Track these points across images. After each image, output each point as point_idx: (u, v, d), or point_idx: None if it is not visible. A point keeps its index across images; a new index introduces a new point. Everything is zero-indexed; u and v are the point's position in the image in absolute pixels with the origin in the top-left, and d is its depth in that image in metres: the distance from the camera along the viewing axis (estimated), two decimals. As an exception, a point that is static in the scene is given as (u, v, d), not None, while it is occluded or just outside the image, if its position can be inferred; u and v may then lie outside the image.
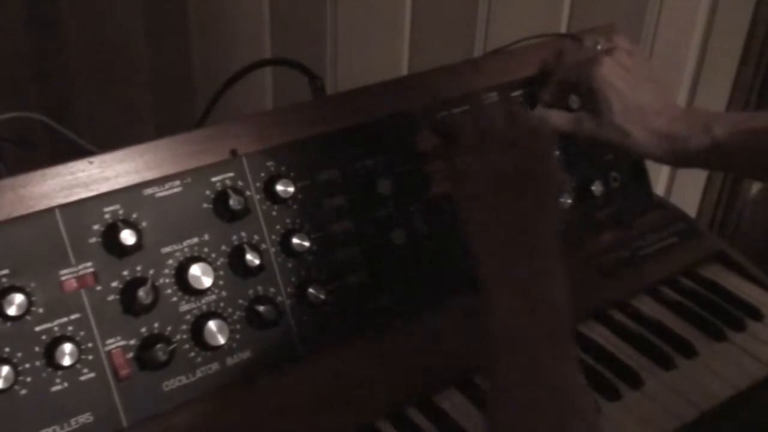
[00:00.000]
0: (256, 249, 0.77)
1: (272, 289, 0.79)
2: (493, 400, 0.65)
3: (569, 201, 0.97)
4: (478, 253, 0.73)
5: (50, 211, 0.70)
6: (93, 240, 0.71)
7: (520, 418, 0.63)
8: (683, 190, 1.50)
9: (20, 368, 0.68)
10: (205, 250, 0.76)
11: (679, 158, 0.90)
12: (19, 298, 0.67)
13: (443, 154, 0.83)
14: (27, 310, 0.68)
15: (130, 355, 0.72)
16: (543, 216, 0.74)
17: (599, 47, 0.93)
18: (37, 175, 0.70)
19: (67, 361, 0.68)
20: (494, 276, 0.70)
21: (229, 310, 0.76)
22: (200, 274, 0.74)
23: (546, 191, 0.76)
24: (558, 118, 0.94)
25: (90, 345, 0.71)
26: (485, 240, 0.73)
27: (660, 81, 0.93)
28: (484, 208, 0.75)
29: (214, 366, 0.76)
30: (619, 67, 0.90)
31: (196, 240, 0.75)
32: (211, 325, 0.74)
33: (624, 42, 0.94)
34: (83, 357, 0.70)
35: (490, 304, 0.69)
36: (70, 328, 0.70)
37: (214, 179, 0.77)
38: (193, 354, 0.75)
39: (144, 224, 0.73)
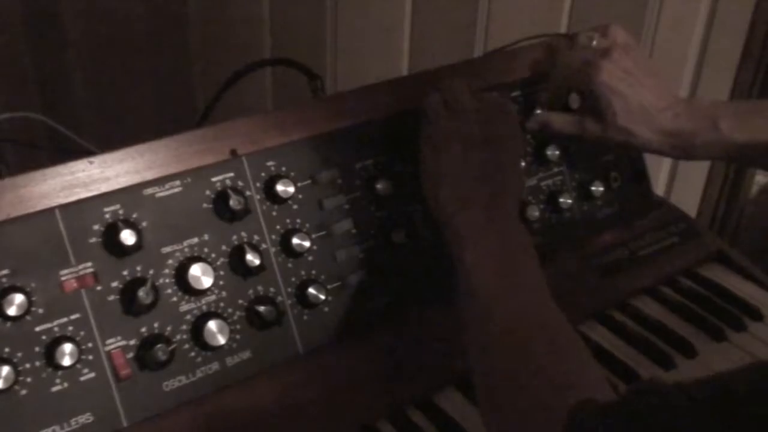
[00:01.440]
0: (256, 249, 0.77)
1: (272, 289, 0.79)
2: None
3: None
4: (434, 201, 0.80)
5: (50, 211, 0.70)
6: (93, 240, 0.71)
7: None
8: (683, 190, 1.50)
9: (20, 368, 0.68)
10: (205, 250, 0.76)
11: (686, 153, 0.90)
12: (19, 298, 0.67)
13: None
14: (27, 310, 0.68)
15: (130, 355, 0.72)
16: (505, 177, 0.80)
17: (594, 43, 0.92)
18: (37, 175, 0.70)
19: (67, 361, 0.68)
20: (456, 222, 0.77)
21: (229, 310, 0.76)
22: (200, 274, 0.74)
23: (509, 152, 0.82)
24: (560, 122, 0.93)
25: (90, 345, 0.71)
26: (446, 191, 0.79)
27: (660, 75, 0.92)
28: (449, 160, 0.80)
29: (214, 366, 0.76)
30: (619, 70, 0.89)
31: (196, 240, 0.75)
32: (211, 325, 0.74)
33: (621, 36, 0.93)
34: (83, 357, 0.70)
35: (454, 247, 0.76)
36: (70, 328, 0.70)
37: (214, 179, 0.77)
38: (193, 354, 0.75)
39: (144, 224, 0.73)
